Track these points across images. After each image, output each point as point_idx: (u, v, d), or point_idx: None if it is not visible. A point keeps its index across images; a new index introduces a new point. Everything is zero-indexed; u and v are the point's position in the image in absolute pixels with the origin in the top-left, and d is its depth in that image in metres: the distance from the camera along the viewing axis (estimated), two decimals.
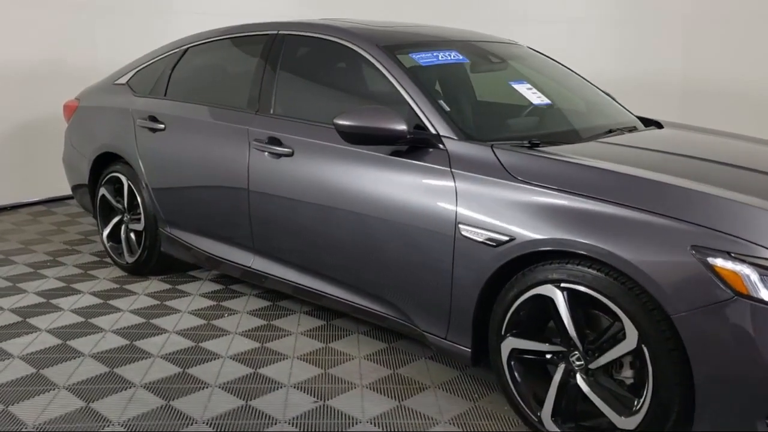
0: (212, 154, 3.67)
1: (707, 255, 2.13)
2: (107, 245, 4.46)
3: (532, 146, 2.79)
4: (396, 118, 2.81)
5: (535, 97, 3.25)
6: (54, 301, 3.88)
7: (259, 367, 3.14)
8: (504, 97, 3.30)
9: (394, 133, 2.81)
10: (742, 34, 6.22)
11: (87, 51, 6.21)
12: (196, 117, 3.83)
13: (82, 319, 3.64)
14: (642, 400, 2.30)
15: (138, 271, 4.32)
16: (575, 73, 3.90)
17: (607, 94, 3.85)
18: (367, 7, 6.21)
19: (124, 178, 4.26)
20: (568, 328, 2.44)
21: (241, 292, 4.07)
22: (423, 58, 3.21)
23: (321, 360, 3.23)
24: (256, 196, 3.45)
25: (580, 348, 2.45)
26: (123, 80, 4.49)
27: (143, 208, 4.16)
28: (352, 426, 2.68)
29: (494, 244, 2.56)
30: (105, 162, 4.42)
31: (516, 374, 2.62)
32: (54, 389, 2.91)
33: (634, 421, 2.31)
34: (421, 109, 2.93)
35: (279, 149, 3.31)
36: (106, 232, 4.45)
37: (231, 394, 2.90)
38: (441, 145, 2.81)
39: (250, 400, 2.86)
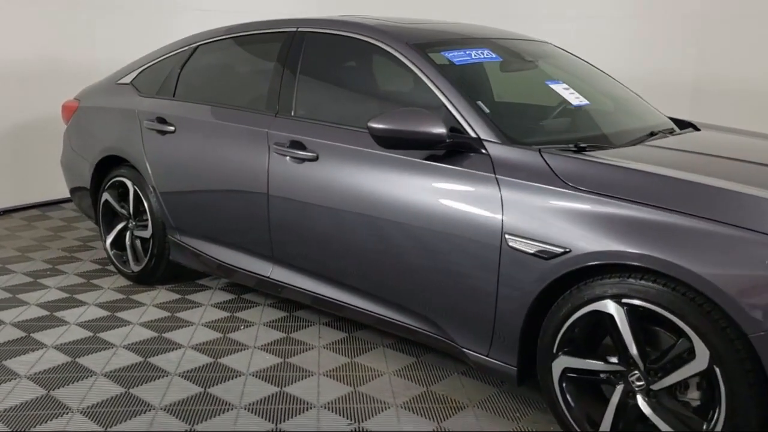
0: (228, 157, 3.47)
1: None
2: (111, 253, 4.25)
3: (579, 150, 2.62)
4: (434, 121, 2.64)
5: (573, 98, 3.08)
6: (58, 314, 3.67)
7: (285, 385, 2.96)
8: (541, 98, 3.13)
9: (432, 136, 2.63)
10: (755, 32, 6.10)
11: (85, 49, 5.94)
12: (209, 119, 3.62)
13: (90, 334, 3.43)
14: (712, 424, 2.14)
15: (144, 280, 4.11)
16: (603, 72, 3.74)
17: (636, 94, 3.69)
18: (368, 6, 6.01)
19: (129, 183, 4.04)
20: (629, 346, 2.28)
21: (254, 302, 3.88)
22: (456, 56, 3.03)
23: (349, 377, 3.04)
24: (276, 203, 3.25)
25: (641, 367, 2.28)
26: (126, 80, 4.28)
27: (150, 214, 3.95)
28: None
29: (546, 256, 2.38)
30: (108, 166, 4.21)
31: (568, 395, 2.46)
32: (67, 413, 2.71)
33: None
34: (459, 111, 2.76)
35: (302, 153, 3.12)
36: (109, 240, 4.23)
37: (259, 416, 2.71)
38: (483, 150, 2.64)
39: (281, 422, 2.67)
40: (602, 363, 2.38)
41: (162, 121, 3.82)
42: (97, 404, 2.77)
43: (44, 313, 3.68)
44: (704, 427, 2.17)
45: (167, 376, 3.02)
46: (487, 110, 2.77)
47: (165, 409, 2.75)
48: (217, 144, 3.53)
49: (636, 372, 2.30)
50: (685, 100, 6.45)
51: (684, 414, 2.24)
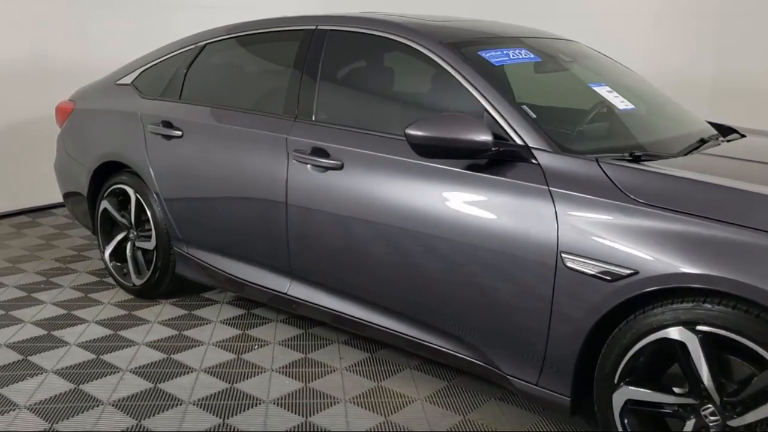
0: (241, 164, 3.22)
1: None
2: (110, 265, 3.98)
3: (635, 159, 2.41)
4: (479, 128, 2.41)
5: (619, 101, 2.86)
6: (56, 333, 3.40)
7: (310, 415, 2.71)
8: (583, 102, 2.90)
9: (476, 144, 2.41)
10: None
11: (78, 46, 5.63)
12: (221, 123, 3.37)
13: (93, 356, 3.17)
14: None
15: (146, 294, 3.85)
16: (636, 74, 3.53)
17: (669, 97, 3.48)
18: (372, 3, 5.77)
19: (131, 191, 3.77)
20: (703, 378, 2.06)
21: (266, 318, 3.63)
22: (493, 56, 2.80)
23: (377, 404, 2.81)
24: (296, 214, 3.01)
25: (717, 401, 2.07)
26: (127, 80, 4.01)
27: (154, 224, 3.68)
28: None
29: (610, 278, 2.16)
30: (107, 172, 3.94)
31: (629, 428, 2.24)
32: None
33: None
34: (503, 117, 2.53)
35: (326, 162, 2.88)
36: (108, 251, 3.96)
37: None
38: (533, 160, 2.41)
39: None
40: (673, 396, 2.16)
41: (168, 125, 3.55)
42: None
43: (41, 332, 3.41)
44: None
45: (181, 404, 2.77)
46: (533, 115, 2.54)
47: None
48: (229, 150, 3.28)
49: (710, 406, 2.09)
50: (704, 100, 6.28)
51: None
